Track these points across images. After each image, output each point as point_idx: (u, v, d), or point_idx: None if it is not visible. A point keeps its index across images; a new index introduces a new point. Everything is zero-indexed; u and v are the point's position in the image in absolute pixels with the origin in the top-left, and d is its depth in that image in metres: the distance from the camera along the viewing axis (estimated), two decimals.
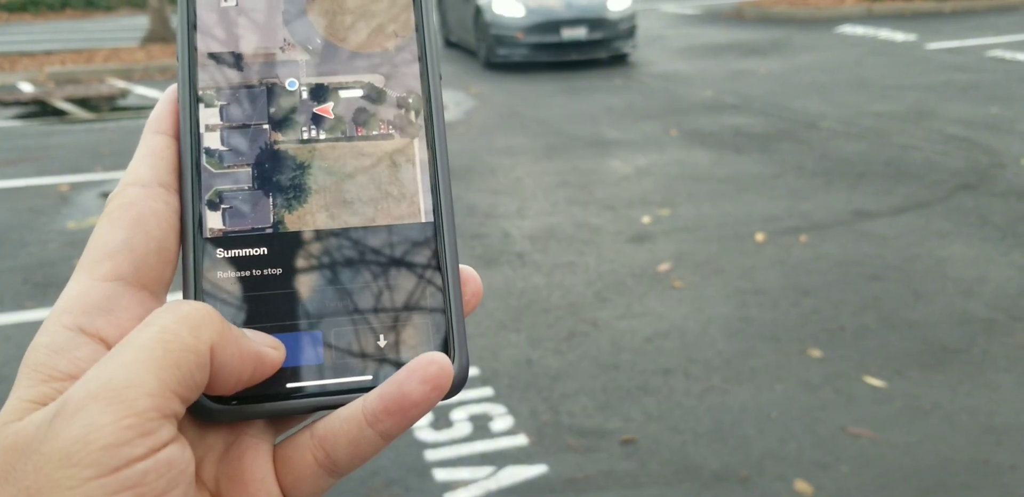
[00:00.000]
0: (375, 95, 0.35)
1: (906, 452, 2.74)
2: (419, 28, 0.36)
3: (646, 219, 5.03)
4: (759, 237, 4.65)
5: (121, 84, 10.93)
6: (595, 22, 10.29)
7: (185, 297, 0.33)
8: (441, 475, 2.76)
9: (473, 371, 3.38)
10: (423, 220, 0.35)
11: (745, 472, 2.68)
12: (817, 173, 5.80)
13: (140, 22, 18.20)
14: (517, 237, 4.84)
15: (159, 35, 12.72)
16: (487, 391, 3.24)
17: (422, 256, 0.35)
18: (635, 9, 10.88)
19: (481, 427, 3.01)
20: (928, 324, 3.57)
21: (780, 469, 2.68)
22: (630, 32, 10.60)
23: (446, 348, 0.34)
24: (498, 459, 2.82)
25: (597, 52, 10.42)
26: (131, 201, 0.34)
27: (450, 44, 12.84)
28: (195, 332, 0.30)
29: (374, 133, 0.35)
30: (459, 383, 0.34)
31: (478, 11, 10.75)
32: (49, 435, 0.27)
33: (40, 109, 9.68)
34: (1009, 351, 3.32)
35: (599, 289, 4.09)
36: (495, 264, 4.46)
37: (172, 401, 0.29)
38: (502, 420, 3.04)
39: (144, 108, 9.46)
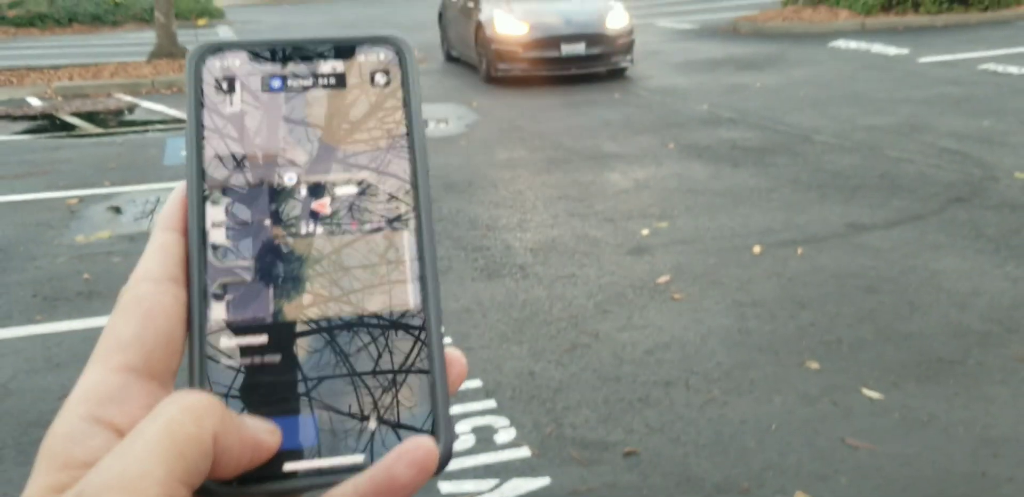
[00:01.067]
0: (368, 191, 0.38)
1: (904, 464, 2.80)
2: (409, 129, 0.38)
3: (645, 231, 5.11)
4: (756, 249, 4.73)
5: (128, 98, 11.01)
6: (594, 37, 10.43)
7: (190, 384, 0.36)
8: (446, 488, 2.82)
9: (475, 383, 3.45)
10: (412, 308, 0.37)
11: (746, 484, 2.74)
12: (812, 186, 5.88)
13: (146, 37, 18.30)
14: (518, 249, 4.92)
15: (166, 50, 12.81)
16: (490, 403, 3.31)
17: (410, 341, 0.37)
18: (633, 25, 11.02)
19: (485, 439, 3.07)
20: (924, 336, 3.65)
21: (780, 481, 2.75)
22: (628, 47, 10.73)
23: (433, 428, 0.36)
24: (502, 472, 2.88)
25: (596, 66, 10.56)
26: (142, 296, 0.36)
27: (451, 58, 12.97)
28: (199, 422, 0.32)
29: (367, 226, 0.37)
30: (444, 462, 0.36)
31: (479, 27, 10.91)
32: None
33: (48, 123, 9.76)
34: (1004, 363, 3.39)
35: (600, 301, 4.16)
36: (497, 276, 4.53)
37: (179, 489, 0.31)
38: (505, 432, 3.10)
39: (151, 122, 9.54)
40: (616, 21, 10.71)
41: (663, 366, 3.51)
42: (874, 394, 3.22)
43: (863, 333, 3.71)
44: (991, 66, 10.30)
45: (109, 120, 9.83)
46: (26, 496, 0.32)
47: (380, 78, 0.39)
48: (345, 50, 0.39)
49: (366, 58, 0.39)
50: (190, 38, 13.95)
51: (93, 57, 14.19)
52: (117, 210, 6.10)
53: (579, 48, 10.39)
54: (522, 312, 4.08)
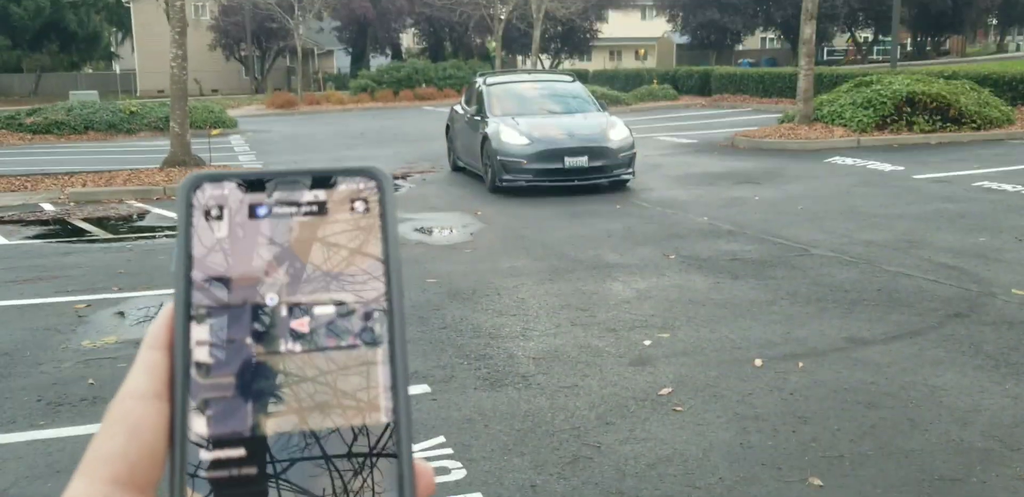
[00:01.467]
0: (345, 311, 0.40)
1: None
2: (385, 254, 0.41)
3: (647, 342, 5.16)
4: (757, 362, 4.76)
5: (139, 205, 11.27)
6: (596, 151, 10.80)
7: (171, 493, 0.38)
8: None
9: (477, 495, 3.42)
10: (383, 420, 0.39)
11: None
12: (811, 299, 5.96)
13: (159, 144, 18.86)
14: (521, 358, 4.95)
15: (179, 159, 13.21)
16: None
17: (382, 452, 0.39)
18: (634, 139, 11.39)
19: None
20: (925, 453, 3.64)
21: None
22: (629, 160, 11.08)
23: None
24: None
25: (598, 178, 10.88)
26: (128, 411, 0.38)
27: (457, 168, 13.35)
28: None
29: (343, 344, 0.39)
30: None
31: (486, 139, 11.30)
32: None
33: (60, 228, 9.97)
34: (1007, 482, 3.38)
35: (602, 412, 4.17)
36: (500, 385, 4.55)
37: None
38: None
39: (161, 229, 9.75)
40: (618, 135, 11.11)
41: (665, 480, 3.50)
42: None
43: (865, 449, 3.70)
44: (985, 183, 10.58)
45: (120, 226, 10.04)
46: None
47: (359, 206, 0.41)
48: (327, 180, 0.41)
49: (347, 187, 0.41)
50: (203, 147, 14.41)
51: (107, 164, 14.59)
52: (124, 316, 6.18)
53: (582, 161, 10.74)
54: (524, 423, 4.09)
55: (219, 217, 0.40)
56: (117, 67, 50.16)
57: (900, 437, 3.79)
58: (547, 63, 46.27)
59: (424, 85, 35.33)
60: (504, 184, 10.91)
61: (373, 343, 0.40)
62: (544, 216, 9.50)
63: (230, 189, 0.40)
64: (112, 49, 55.85)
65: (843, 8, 44.08)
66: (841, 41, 54.77)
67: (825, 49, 51.57)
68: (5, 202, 11.56)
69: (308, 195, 0.40)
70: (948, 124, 15.02)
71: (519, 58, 50.11)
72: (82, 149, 18.89)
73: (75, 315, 6.09)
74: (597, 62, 51.80)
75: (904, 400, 4.19)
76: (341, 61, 52.45)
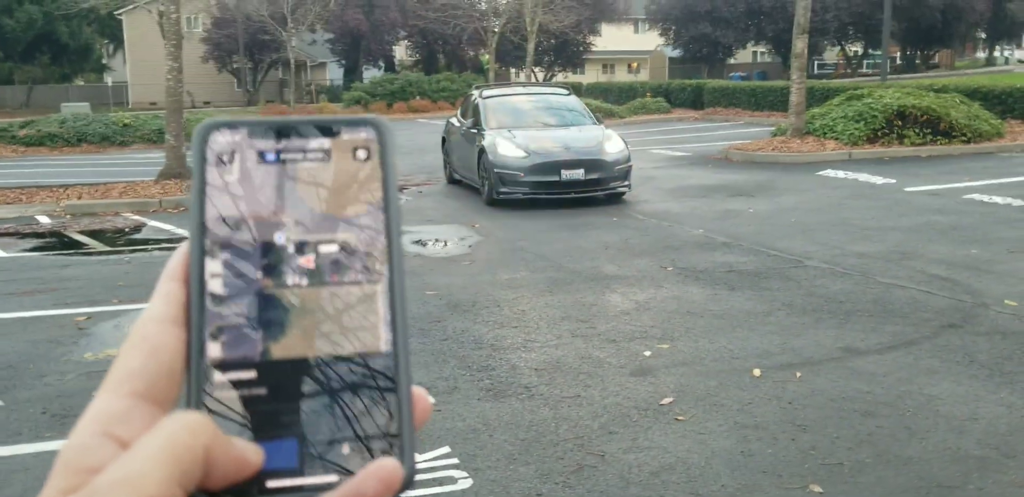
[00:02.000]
0: (348, 249, 0.42)
1: None
2: (385, 197, 0.43)
3: (647, 353, 5.22)
4: (756, 372, 4.83)
5: (136, 217, 11.31)
6: (593, 164, 10.90)
7: (187, 408, 0.41)
8: None
9: None
10: (383, 350, 0.42)
11: None
12: (807, 310, 6.04)
13: (153, 157, 18.89)
14: (524, 369, 5.01)
15: (174, 171, 13.24)
16: None
17: (381, 379, 0.42)
18: (629, 152, 11.45)
19: None
20: (923, 461, 3.71)
21: None
22: (625, 173, 11.17)
23: (399, 453, 0.41)
24: None
25: (594, 191, 10.97)
26: (148, 334, 0.41)
27: (454, 181, 13.36)
28: (194, 435, 0.38)
29: (346, 279, 0.42)
30: (407, 483, 0.40)
31: (482, 151, 11.37)
32: None
33: (56, 241, 10.00)
34: (1003, 489, 3.45)
35: (605, 422, 4.23)
36: (503, 396, 4.61)
37: (174, 489, 0.36)
38: None
39: (158, 241, 9.77)
40: (614, 148, 11.20)
41: (669, 488, 3.55)
42: None
43: (863, 457, 3.77)
44: (976, 196, 10.70)
45: (117, 238, 10.07)
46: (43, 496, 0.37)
47: (361, 153, 0.43)
48: (331, 129, 0.43)
49: (350, 136, 0.43)
50: None
51: (102, 176, 14.62)
52: (125, 328, 6.21)
53: (578, 173, 10.83)
54: (528, 432, 4.14)
55: (231, 161, 0.42)
56: (109, 79, 50.15)
57: (897, 445, 3.86)
58: (541, 76, 46.49)
59: (418, 97, 35.46)
60: (501, 197, 10.97)
61: (373, 279, 0.42)
62: (541, 228, 9.57)
63: (241, 136, 0.43)
64: (104, 61, 55.93)
65: (833, 22, 44.50)
66: (831, 55, 55.19)
67: (816, 63, 51.99)
68: (1, 215, 11.58)
69: (314, 142, 0.43)
70: (939, 137, 15.17)
71: (513, 71, 50.35)
72: (76, 161, 18.91)
73: (76, 327, 6.12)
74: (590, 75, 52.08)
75: (901, 409, 4.26)
76: (334, 73, 52.57)
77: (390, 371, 0.42)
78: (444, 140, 14.05)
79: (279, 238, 0.42)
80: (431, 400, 0.43)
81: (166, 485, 0.36)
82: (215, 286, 0.41)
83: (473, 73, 42.91)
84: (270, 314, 0.41)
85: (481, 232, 9.51)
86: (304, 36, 45.19)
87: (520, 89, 13.95)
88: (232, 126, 0.43)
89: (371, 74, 47.62)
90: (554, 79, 47.13)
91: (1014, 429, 3.99)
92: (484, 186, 11.40)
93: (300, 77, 47.48)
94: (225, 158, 0.42)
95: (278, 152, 0.43)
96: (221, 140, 0.43)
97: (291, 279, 0.42)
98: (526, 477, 3.69)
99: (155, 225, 10.72)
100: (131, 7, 44.90)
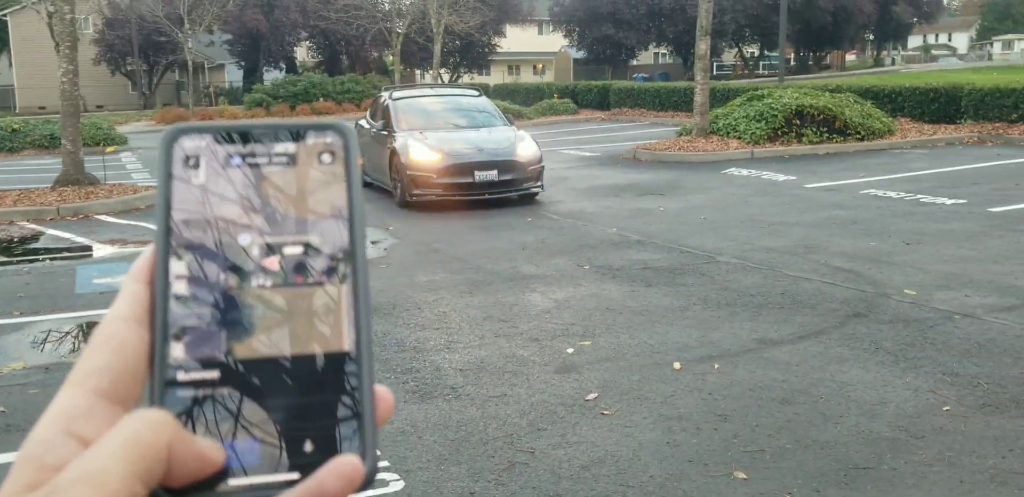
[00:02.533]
0: (312, 251, 0.43)
1: None
2: (349, 200, 0.44)
3: (570, 350, 5.29)
4: (676, 365, 4.95)
5: (32, 226, 10.84)
6: (505, 165, 10.93)
7: (149, 406, 0.41)
8: None
9: None
10: (347, 350, 0.42)
11: None
12: (721, 304, 6.21)
13: (46, 163, 18.14)
14: (448, 371, 5.01)
15: (72, 177, 12.72)
16: None
17: (344, 378, 0.42)
18: (542, 152, 11.53)
19: None
20: (838, 444, 3.87)
21: None
22: (538, 174, 11.24)
23: (361, 451, 0.41)
24: None
25: (508, 192, 11.02)
26: (113, 332, 0.41)
27: (365, 184, 13.21)
28: (156, 432, 0.38)
29: (310, 281, 0.43)
30: (369, 479, 0.41)
31: (393, 153, 11.30)
32: None
33: None
34: (915, 468, 3.62)
35: (533, 419, 4.27)
36: (429, 397, 4.61)
37: (136, 486, 0.36)
38: None
39: (59, 250, 9.40)
40: (526, 149, 11.25)
41: (600, 481, 3.61)
42: None
43: (783, 443, 3.90)
44: (872, 191, 11.17)
45: (14, 248, 9.65)
46: (4, 493, 0.37)
47: (326, 157, 0.44)
48: (296, 134, 0.44)
49: (315, 141, 0.44)
50: (96, 165, 13.94)
51: None
52: (30, 340, 5.97)
53: (492, 175, 10.86)
54: (457, 432, 4.15)
55: (196, 165, 0.43)
56: None
57: (814, 430, 4.01)
58: (447, 77, 46.44)
59: (322, 99, 34.97)
60: (414, 199, 10.93)
61: (337, 280, 0.43)
62: (456, 230, 9.58)
63: (207, 140, 0.43)
64: None
65: (731, 24, 45.77)
66: (729, 56, 56.74)
67: (714, 64, 53.35)
68: None
69: (279, 147, 0.44)
70: (835, 135, 15.78)
71: (418, 72, 50.15)
72: None
73: None
74: (496, 76, 52.27)
75: (815, 396, 4.43)
76: (233, 75, 51.42)
77: (353, 370, 0.42)
78: None
79: (244, 240, 0.43)
80: (392, 399, 0.44)
81: (128, 482, 0.36)
82: (179, 287, 0.42)
83: (378, 75, 42.56)
84: (234, 315, 0.42)
85: (396, 234, 9.46)
86: (201, 37, 44.06)
87: (430, 90, 13.90)
88: (199, 131, 0.44)
89: (272, 76, 46.74)
90: (460, 80, 47.16)
91: (921, 411, 4.19)
92: (396, 189, 11.35)
93: (198, 79, 46.28)
94: (191, 162, 0.43)
95: (244, 156, 0.43)
96: (187, 144, 0.43)
97: (256, 280, 0.42)
98: (458, 476, 3.71)
99: (54, 234, 10.30)
100: (17, 7, 43.00)
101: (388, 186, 11.81)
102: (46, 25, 16.27)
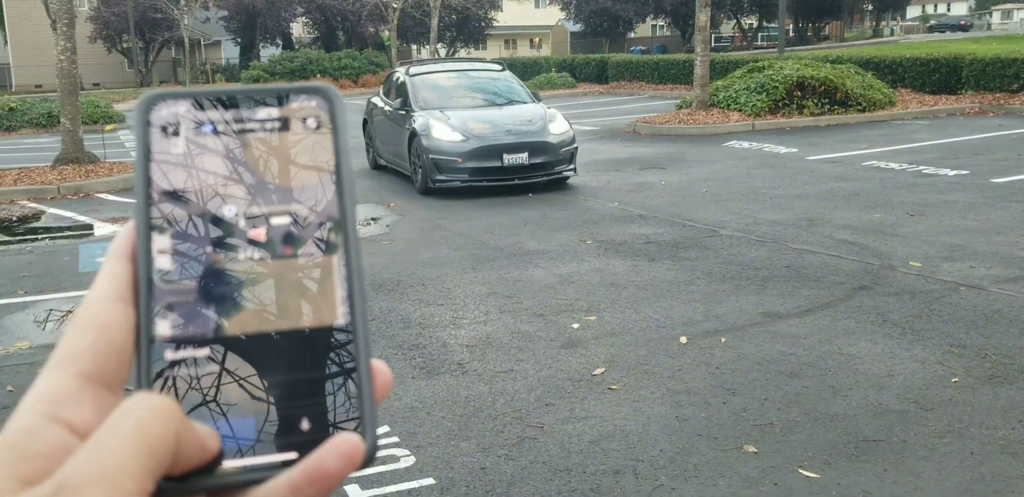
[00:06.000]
0: (300, 221, 0.41)
1: None
2: (337, 167, 0.42)
3: (575, 325, 5.28)
4: (683, 340, 4.94)
5: (33, 205, 10.81)
6: (537, 146, 10.03)
7: (137, 389, 0.39)
8: None
9: (429, 481, 3.48)
10: (341, 323, 0.40)
11: None
12: (726, 278, 6.20)
13: (43, 142, 18.06)
14: (455, 347, 5.01)
15: (72, 156, 12.66)
16: None
17: (339, 353, 0.40)
18: (574, 132, 10.62)
19: None
20: (848, 417, 3.87)
21: None
22: (571, 156, 10.34)
23: (360, 429, 0.40)
24: None
25: (538, 176, 10.10)
26: (95, 313, 0.39)
27: (379, 167, 12.40)
28: (164, 423, 0.36)
29: (299, 252, 0.41)
30: (369, 458, 0.40)
31: (413, 135, 10.36)
32: None
33: None
34: (925, 440, 3.63)
35: (540, 394, 4.28)
36: (436, 373, 4.61)
37: (147, 482, 0.35)
38: None
39: (61, 229, 9.38)
40: (558, 129, 10.35)
41: (610, 455, 3.62)
42: (811, 474, 3.39)
43: (792, 416, 3.91)
44: (874, 162, 11.12)
45: (15, 228, 9.62)
46: None
47: (311, 122, 0.42)
48: (280, 98, 0.42)
49: (298, 105, 0.42)
50: (95, 143, 13.87)
51: None
52: (35, 319, 5.96)
53: (522, 157, 9.95)
54: (466, 408, 4.16)
55: (176, 133, 0.41)
56: None
57: (823, 403, 4.02)
58: (443, 52, 46.11)
59: (319, 76, 34.80)
60: (438, 185, 9.99)
61: (327, 251, 0.41)
62: (458, 206, 9.55)
63: (186, 107, 0.41)
64: None
65: None
66: (728, 28, 56.29)
67: (713, 36, 52.95)
68: None
69: (262, 112, 0.42)
70: (836, 107, 15.69)
71: (414, 47, 49.80)
72: None
73: None
74: (492, 51, 51.92)
75: (823, 369, 4.43)
76: (229, 52, 51.06)
77: (349, 345, 0.41)
78: (366, 122, 12.87)
79: (228, 211, 0.41)
80: (391, 374, 0.42)
81: (141, 480, 0.35)
82: (163, 262, 0.40)
83: (374, 50, 42.25)
84: (222, 289, 0.40)
85: (397, 211, 9.43)
86: (197, 14, 43.67)
87: (450, 65, 12.69)
88: (176, 97, 0.41)
89: (268, 52, 46.44)
90: (456, 55, 46.80)
91: (929, 383, 4.19)
92: (417, 174, 10.39)
93: (194, 56, 45.92)
94: (170, 130, 0.41)
95: (225, 122, 0.41)
96: (165, 112, 0.41)
97: (243, 253, 0.40)
98: (468, 452, 3.71)
99: (55, 213, 10.27)
100: None
101: (406, 170, 10.91)
102: (41, 2, 16.10)
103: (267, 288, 0.40)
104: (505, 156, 9.94)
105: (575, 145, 10.46)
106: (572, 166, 10.39)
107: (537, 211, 9.00)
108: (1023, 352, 4.54)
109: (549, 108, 10.98)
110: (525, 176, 10.05)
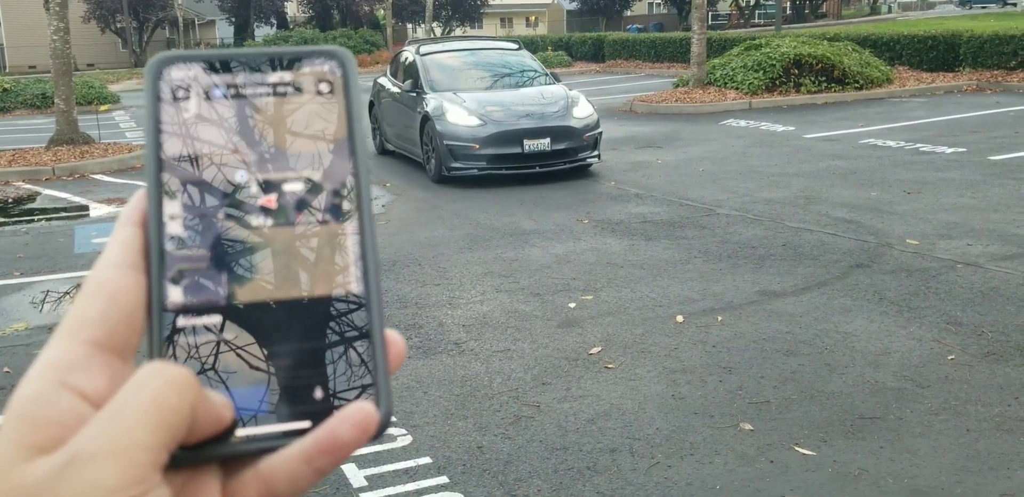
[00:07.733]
0: (313, 187, 0.40)
1: None
2: (349, 132, 0.41)
3: (572, 304, 5.28)
4: (679, 318, 4.94)
5: (28, 186, 10.76)
6: (559, 132, 9.36)
7: (150, 359, 0.38)
8: None
9: (425, 460, 3.49)
10: (354, 291, 0.40)
11: None
12: (723, 257, 6.19)
13: (38, 123, 17.96)
14: (451, 326, 5.01)
15: (66, 137, 12.59)
16: (442, 479, 3.35)
17: (353, 321, 0.40)
18: (598, 116, 9.96)
19: None
20: (844, 394, 3.88)
21: None
22: (595, 142, 9.66)
23: (374, 398, 0.39)
24: None
25: (561, 163, 9.47)
26: (105, 279, 0.38)
27: (387, 151, 11.78)
28: (180, 395, 0.35)
29: (311, 219, 0.40)
30: (383, 427, 0.39)
31: (426, 119, 9.67)
32: (62, 480, 0.33)
33: None
34: (921, 417, 3.64)
35: (537, 373, 4.28)
36: (433, 353, 4.61)
37: (162, 455, 0.35)
38: None
39: (56, 210, 9.34)
40: (582, 113, 9.67)
41: (606, 434, 3.63)
42: (806, 451, 3.40)
43: (788, 394, 3.92)
44: (871, 140, 11.09)
45: (11, 209, 9.58)
46: (3, 451, 0.34)
47: (324, 86, 0.41)
48: (292, 61, 0.41)
49: (311, 69, 0.41)
50: (90, 124, 13.79)
51: None
52: (31, 301, 5.95)
53: (544, 143, 9.25)
54: (463, 387, 4.16)
55: (186, 97, 0.40)
56: None
57: (819, 381, 4.03)
58: (439, 31, 45.81)
59: None
60: (453, 173, 9.31)
61: (341, 218, 0.40)
62: (454, 186, 9.51)
63: (196, 70, 0.40)
64: None
65: None
66: (724, 5, 55.92)
67: (709, 13, 52.62)
68: None
69: (273, 76, 0.41)
70: (833, 85, 15.62)
71: (410, 26, 49.46)
72: None
73: None
74: (488, 29, 51.60)
75: (819, 347, 4.43)
76: (224, 31, 50.72)
77: (362, 313, 0.40)
78: (372, 104, 12.10)
79: (240, 177, 0.40)
80: (404, 344, 0.41)
81: (154, 451, 0.34)
82: (174, 228, 0.39)
83: (369, 29, 41.96)
84: (234, 256, 0.39)
85: (393, 191, 9.40)
86: None
87: (463, 44, 11.78)
88: (186, 60, 0.40)
89: (263, 32, 46.12)
90: (451, 34, 46.48)
91: (925, 361, 4.20)
92: (430, 161, 9.68)
93: (188, 36, 45.65)
94: (180, 94, 0.40)
95: (236, 86, 0.40)
96: (175, 75, 0.40)
97: (255, 220, 0.40)
98: (465, 431, 3.72)
99: (50, 194, 10.23)
100: None
101: (417, 156, 10.26)
102: None
103: (280, 255, 0.40)
104: (526, 142, 9.21)
105: (599, 130, 9.75)
106: (596, 153, 9.70)
107: (533, 191, 8.96)
108: (1019, 329, 4.54)
109: (572, 90, 10.28)
110: (547, 164, 9.35)
